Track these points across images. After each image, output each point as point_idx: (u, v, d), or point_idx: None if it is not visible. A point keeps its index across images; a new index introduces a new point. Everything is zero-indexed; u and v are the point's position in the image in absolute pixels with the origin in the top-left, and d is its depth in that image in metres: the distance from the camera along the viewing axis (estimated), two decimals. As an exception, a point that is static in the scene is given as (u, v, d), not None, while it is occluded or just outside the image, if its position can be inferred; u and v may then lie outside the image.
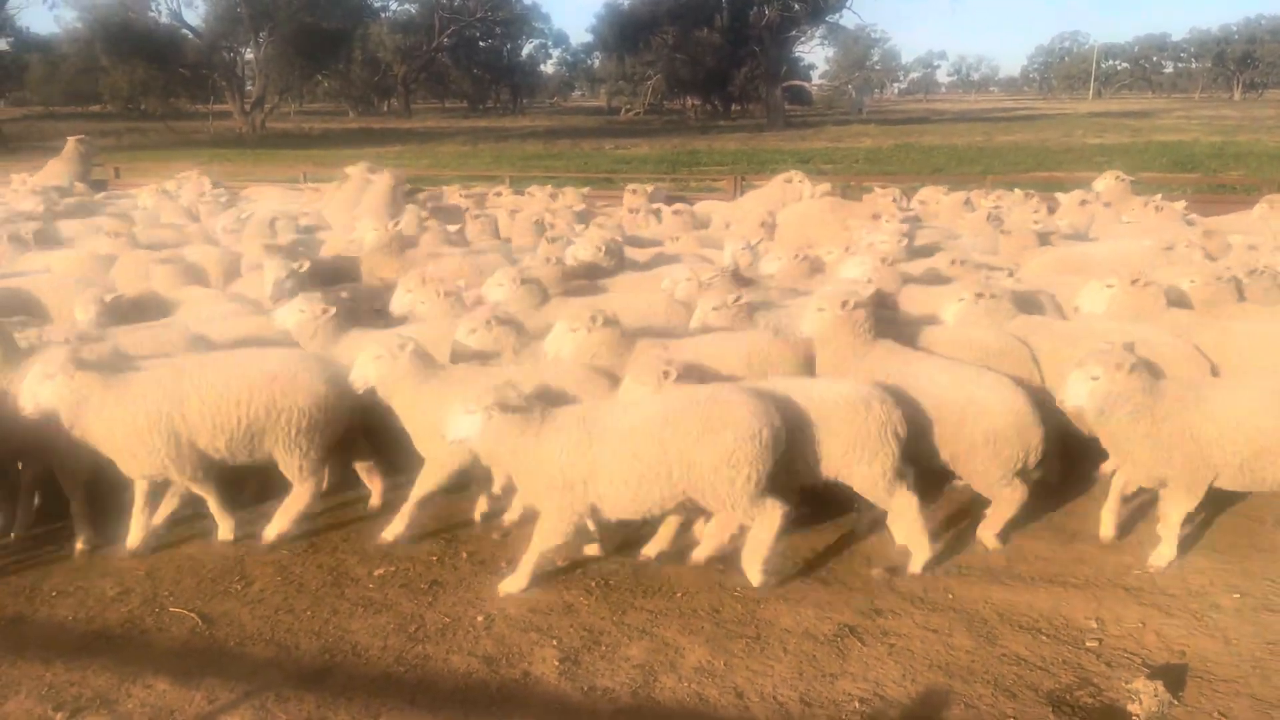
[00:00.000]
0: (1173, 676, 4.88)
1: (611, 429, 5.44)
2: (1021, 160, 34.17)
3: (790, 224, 10.90)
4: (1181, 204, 12.27)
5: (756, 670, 5.02)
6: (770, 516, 5.48)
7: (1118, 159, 34.26)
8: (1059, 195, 12.92)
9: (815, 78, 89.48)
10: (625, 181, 24.94)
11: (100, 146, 42.03)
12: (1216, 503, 6.54)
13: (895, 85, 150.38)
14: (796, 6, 62.91)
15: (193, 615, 5.49)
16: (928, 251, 9.36)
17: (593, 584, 5.86)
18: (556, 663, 5.09)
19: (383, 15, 74.11)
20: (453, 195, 14.87)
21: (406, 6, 77.90)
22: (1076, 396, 5.71)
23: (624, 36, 67.18)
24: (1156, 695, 4.66)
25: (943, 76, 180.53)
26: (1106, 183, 12.74)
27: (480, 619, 5.49)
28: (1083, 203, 12.25)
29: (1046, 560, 6.15)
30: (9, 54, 71.14)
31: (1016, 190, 13.19)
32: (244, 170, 28.81)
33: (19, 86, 74.90)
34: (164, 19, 56.38)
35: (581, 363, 6.34)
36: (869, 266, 7.80)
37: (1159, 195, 12.85)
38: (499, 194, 14.80)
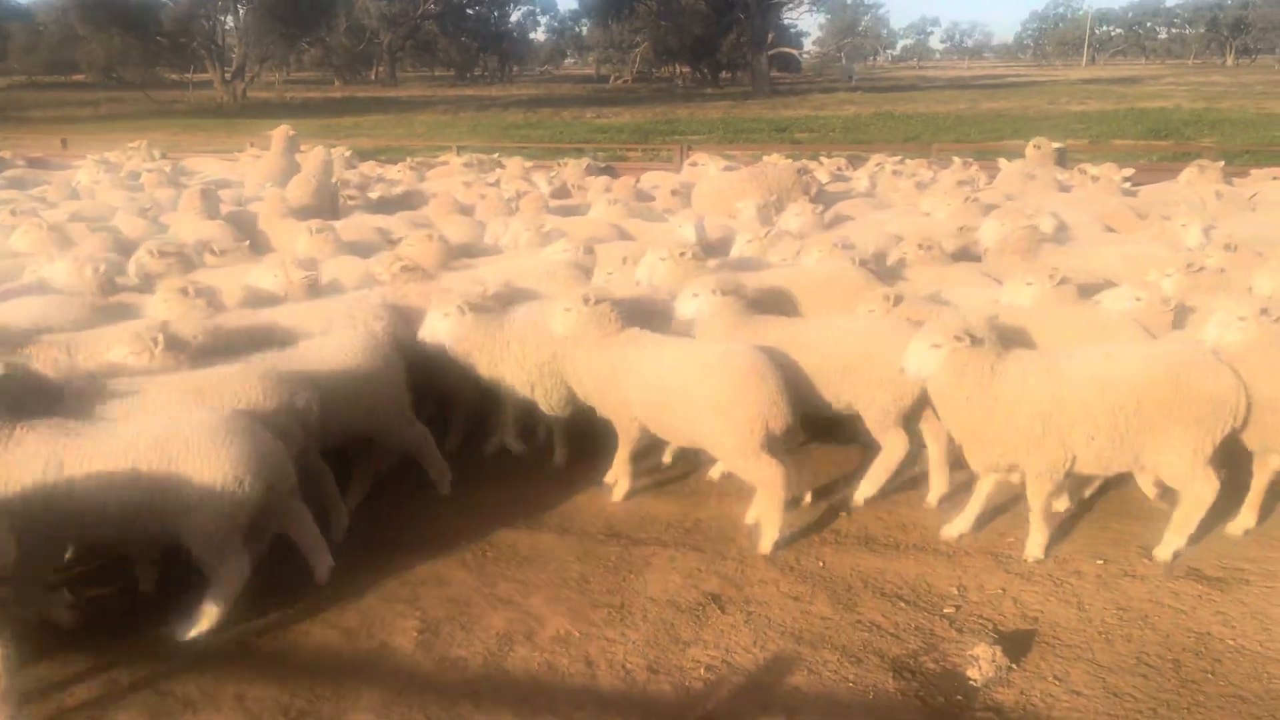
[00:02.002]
0: (1017, 642, 4.94)
1: None
2: (1000, 128, 33.98)
3: (706, 196, 10.93)
4: (1125, 172, 12.27)
5: (612, 639, 5.08)
6: None
7: (1095, 126, 34.18)
8: (1001, 162, 12.93)
9: (808, 45, 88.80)
10: (597, 150, 25.00)
11: (78, 116, 41.79)
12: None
13: (888, 52, 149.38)
14: (780, -27, 62.37)
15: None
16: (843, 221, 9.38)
17: (469, 556, 5.91)
18: (415, 634, 5.14)
19: (367, -19, 73.21)
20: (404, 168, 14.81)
21: (392, -28, 77.01)
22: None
23: (608, 2, 66.57)
24: (994, 660, 4.73)
25: (936, 43, 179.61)
26: (1029, 150, 12.87)
27: (351, 589, 5.53)
28: (1029, 175, 12.25)
29: (923, 528, 6.21)
30: (-8, 23, 70.38)
31: (956, 160, 13.20)
32: (215, 140, 28.60)
33: (1, 56, 74.05)
34: (142, -15, 55.63)
35: None
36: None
37: (1107, 165, 12.82)
38: (446, 163, 14.77)
